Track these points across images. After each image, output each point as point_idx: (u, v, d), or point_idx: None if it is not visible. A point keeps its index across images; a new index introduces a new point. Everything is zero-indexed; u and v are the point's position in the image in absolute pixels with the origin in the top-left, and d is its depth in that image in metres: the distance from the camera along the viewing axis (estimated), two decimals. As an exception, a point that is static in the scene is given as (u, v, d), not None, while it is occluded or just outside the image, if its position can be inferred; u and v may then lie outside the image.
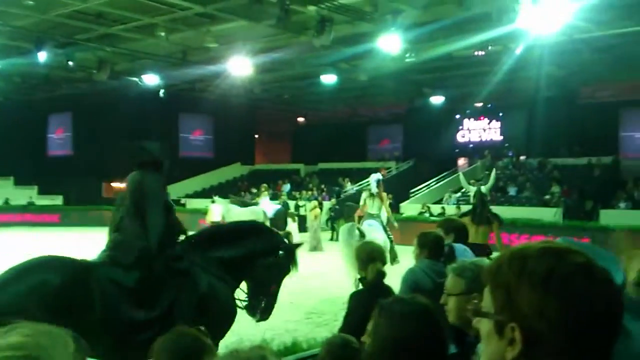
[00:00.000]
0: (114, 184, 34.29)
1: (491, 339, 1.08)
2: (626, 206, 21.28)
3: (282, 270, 5.20)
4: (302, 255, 17.93)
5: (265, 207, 20.23)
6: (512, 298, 1.04)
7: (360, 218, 18.92)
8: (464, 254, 4.57)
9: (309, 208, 20.15)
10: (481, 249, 6.92)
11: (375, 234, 10.12)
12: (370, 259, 3.86)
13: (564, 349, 1.00)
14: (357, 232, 10.20)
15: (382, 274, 3.86)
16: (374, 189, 11.19)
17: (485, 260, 2.77)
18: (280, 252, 5.24)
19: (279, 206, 20.62)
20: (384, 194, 11.59)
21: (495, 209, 21.15)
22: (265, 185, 22.10)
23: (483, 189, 9.53)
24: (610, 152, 26.88)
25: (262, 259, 4.98)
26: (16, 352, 0.83)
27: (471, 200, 9.52)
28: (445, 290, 2.53)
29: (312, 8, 16.11)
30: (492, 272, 1.10)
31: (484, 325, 1.10)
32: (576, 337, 1.00)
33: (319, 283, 12.51)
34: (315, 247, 18.52)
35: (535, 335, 1.01)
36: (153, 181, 4.51)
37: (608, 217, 20.05)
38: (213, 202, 20.78)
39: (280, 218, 19.85)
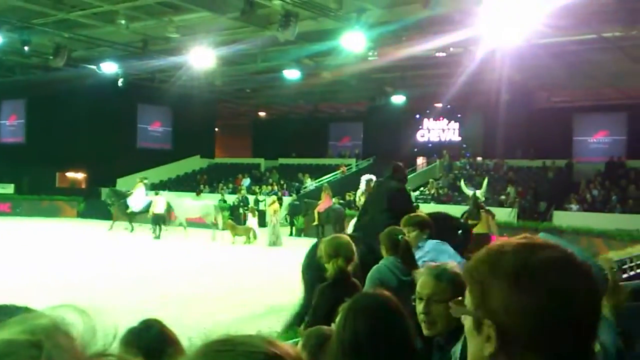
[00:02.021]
0: (68, 174, 33.52)
1: (472, 336, 1.09)
2: (578, 208, 21.91)
3: (462, 246, 6.19)
4: (262, 250, 17.98)
5: (135, 200, 20.40)
6: (485, 294, 1.05)
7: (319, 214, 19.01)
8: (438, 247, 4.60)
9: (268, 203, 20.08)
10: (483, 238, 9.22)
11: None
12: (335, 253, 3.84)
13: (538, 345, 1.01)
14: None
15: (343, 270, 3.84)
16: (363, 188, 12.83)
17: (450, 263, 2.74)
18: (459, 231, 6.66)
19: (150, 198, 20.62)
20: None
21: (451, 208, 22.15)
22: (141, 176, 22.09)
23: (478, 193, 11.33)
24: (564, 155, 27.61)
25: (448, 237, 5.93)
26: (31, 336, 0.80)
27: (468, 200, 11.56)
28: (425, 297, 2.45)
29: (277, 2, 16.03)
30: (470, 269, 1.11)
31: (467, 322, 1.11)
32: (548, 333, 1.00)
33: (278, 278, 12.49)
34: (275, 242, 18.46)
35: (508, 332, 1.02)
36: (396, 188, 6.57)
37: (561, 218, 20.61)
38: (157, 194, 20.64)
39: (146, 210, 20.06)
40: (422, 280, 2.51)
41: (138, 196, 20.94)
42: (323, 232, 18.38)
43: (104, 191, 22.09)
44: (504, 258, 1.06)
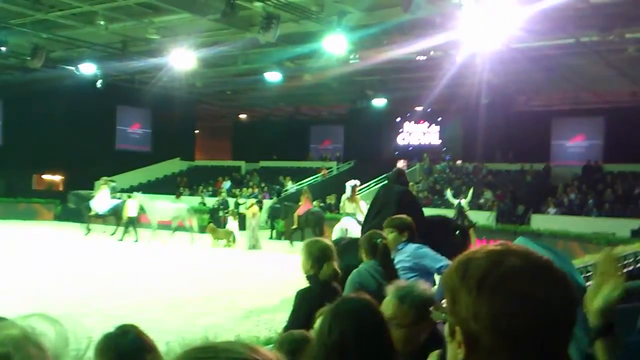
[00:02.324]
0: (45, 176, 33.08)
1: (449, 341, 1.10)
2: (556, 212, 22.15)
3: (460, 246, 6.76)
4: (241, 253, 17.93)
5: (98, 202, 20.19)
6: (455, 301, 1.06)
7: (299, 217, 19.09)
8: (418, 252, 4.62)
9: (247, 206, 20.01)
10: None
11: (354, 230, 12.36)
12: (324, 256, 3.79)
13: (503, 351, 1.01)
14: (346, 233, 12.29)
15: (337, 274, 3.83)
16: (349, 194, 13.75)
17: (420, 283, 2.60)
18: (457, 232, 7.26)
19: (118, 201, 20.43)
20: (357, 197, 14.20)
21: (431, 211, 22.50)
22: (104, 178, 21.54)
23: (463, 202, 11.86)
24: (542, 159, 27.90)
25: (446, 238, 6.81)
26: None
27: (454, 208, 12.09)
28: (388, 318, 2.29)
29: (258, 4, 16.00)
30: (444, 275, 1.12)
31: (445, 327, 1.12)
32: (513, 340, 1.00)
33: (257, 281, 12.45)
34: (254, 246, 18.39)
35: (476, 339, 1.03)
36: (403, 191, 7.16)
37: (539, 221, 20.82)
38: (129, 197, 20.42)
39: (117, 214, 19.89)
40: (385, 300, 2.40)
41: (101, 198, 20.51)
42: (303, 235, 18.37)
43: (70, 195, 21.64)
44: (472, 265, 1.06)
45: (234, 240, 18.70)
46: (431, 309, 1.19)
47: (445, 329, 1.11)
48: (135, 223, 19.47)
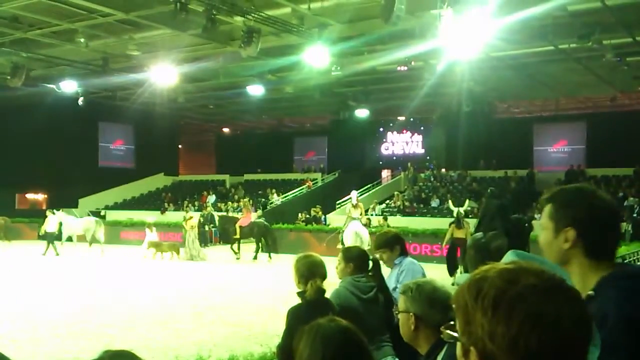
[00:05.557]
0: (28, 195, 32.70)
1: None
2: (540, 217, 22.33)
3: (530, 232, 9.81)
4: (211, 267, 17.51)
5: None
6: (469, 321, 1.05)
7: (242, 228, 19.47)
8: (412, 266, 4.64)
9: (186, 219, 20.19)
10: (463, 242, 12.70)
11: (363, 232, 15.36)
12: (310, 273, 3.77)
13: None
14: (360, 237, 14.84)
15: (322, 291, 3.80)
16: (354, 201, 16.08)
17: (427, 280, 2.78)
18: (526, 224, 9.99)
19: None
20: (361, 204, 16.66)
21: (416, 219, 23.15)
22: None
23: (461, 210, 14.49)
24: (525, 165, 28.14)
25: (525, 230, 9.57)
26: None
27: (454, 214, 14.64)
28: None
29: (238, 19, 16.03)
30: (456, 294, 1.10)
31: (457, 347, 1.10)
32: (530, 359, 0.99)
33: (239, 296, 12.34)
34: (196, 256, 18.84)
35: (491, 358, 1.01)
36: (498, 204, 9.65)
37: (524, 227, 20.94)
38: (53, 213, 20.59)
39: None
40: (399, 296, 2.69)
41: None
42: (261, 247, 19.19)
43: None
44: (487, 284, 1.05)
45: (177, 252, 19.10)
46: (442, 328, 1.17)
47: (458, 350, 1.10)
48: (53, 238, 19.83)
